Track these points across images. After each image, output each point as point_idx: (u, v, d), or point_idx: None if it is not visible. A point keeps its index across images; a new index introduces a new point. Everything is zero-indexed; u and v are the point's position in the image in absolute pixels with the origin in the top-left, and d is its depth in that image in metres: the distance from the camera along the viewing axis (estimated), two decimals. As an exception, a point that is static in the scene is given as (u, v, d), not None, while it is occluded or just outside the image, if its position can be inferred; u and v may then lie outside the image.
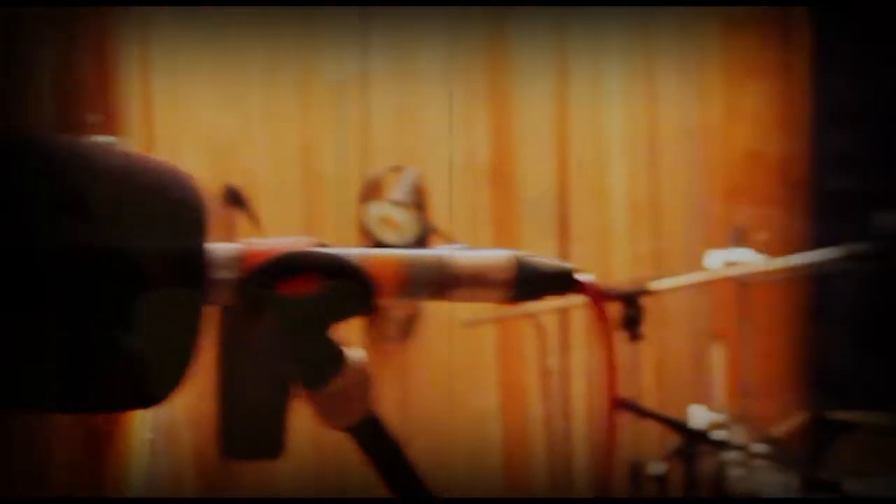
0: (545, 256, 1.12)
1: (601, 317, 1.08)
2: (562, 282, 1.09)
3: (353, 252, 1.09)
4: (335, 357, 1.08)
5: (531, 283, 1.08)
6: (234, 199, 3.13)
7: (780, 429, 4.62)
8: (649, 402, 3.84)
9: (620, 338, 2.94)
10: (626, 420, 2.97)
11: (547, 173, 3.75)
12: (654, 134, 4.02)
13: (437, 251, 1.09)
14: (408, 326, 3.47)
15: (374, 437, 1.12)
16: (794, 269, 3.09)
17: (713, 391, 3.53)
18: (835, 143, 4.50)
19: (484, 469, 3.58)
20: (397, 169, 3.43)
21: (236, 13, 3.18)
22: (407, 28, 3.52)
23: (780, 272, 3.10)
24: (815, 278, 4.49)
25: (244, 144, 3.27)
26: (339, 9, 3.38)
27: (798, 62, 4.43)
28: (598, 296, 1.06)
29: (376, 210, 3.32)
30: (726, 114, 4.24)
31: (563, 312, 3.55)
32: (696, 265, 3.19)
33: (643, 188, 4.01)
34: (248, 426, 1.08)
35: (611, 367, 1.11)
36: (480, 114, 3.63)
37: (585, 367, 3.68)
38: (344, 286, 1.07)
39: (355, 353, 1.08)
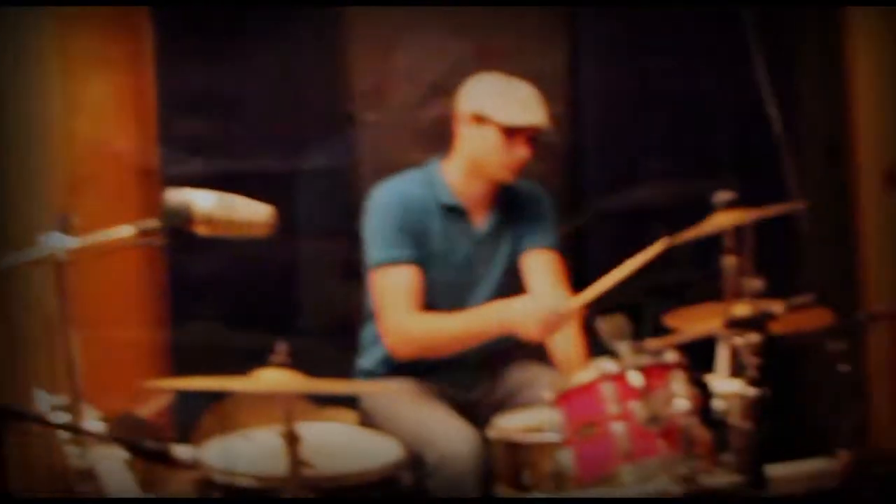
0: None
1: None
2: None
3: None
4: None
5: None
6: None
7: (148, 408, 4.78)
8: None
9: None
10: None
11: None
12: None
13: None
14: None
15: None
16: (100, 247, 3.20)
17: (62, 375, 3.60)
18: (181, 131, 4.72)
19: None
20: None
21: None
22: None
23: (89, 251, 3.20)
24: (166, 255, 4.69)
25: None
26: None
27: (143, 54, 4.58)
28: None
29: None
30: (68, 106, 4.29)
31: None
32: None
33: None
34: None
35: None
36: None
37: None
38: None
39: None
